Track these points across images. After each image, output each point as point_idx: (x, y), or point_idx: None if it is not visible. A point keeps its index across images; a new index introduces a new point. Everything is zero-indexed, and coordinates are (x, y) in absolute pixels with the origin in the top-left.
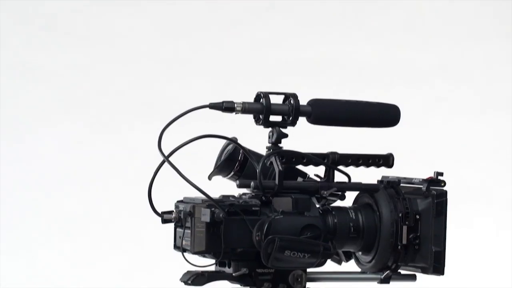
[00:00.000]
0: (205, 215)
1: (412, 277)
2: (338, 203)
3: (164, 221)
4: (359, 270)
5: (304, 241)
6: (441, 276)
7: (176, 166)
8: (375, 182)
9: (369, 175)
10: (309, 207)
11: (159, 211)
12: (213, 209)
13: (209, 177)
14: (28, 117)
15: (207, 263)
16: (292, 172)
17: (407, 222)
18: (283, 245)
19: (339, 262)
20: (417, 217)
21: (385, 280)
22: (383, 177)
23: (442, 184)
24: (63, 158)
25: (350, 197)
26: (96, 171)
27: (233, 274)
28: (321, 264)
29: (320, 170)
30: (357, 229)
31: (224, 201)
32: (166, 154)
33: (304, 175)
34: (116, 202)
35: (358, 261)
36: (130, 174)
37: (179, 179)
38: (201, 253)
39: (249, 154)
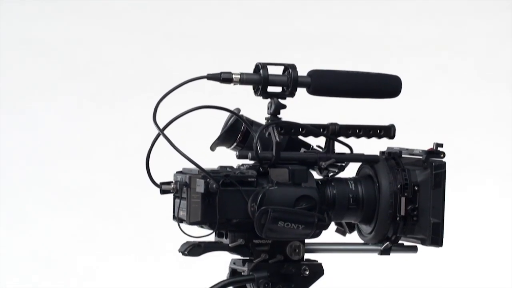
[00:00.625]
0: (200, 186)
1: (413, 249)
2: (341, 174)
3: (163, 191)
4: (358, 241)
5: (298, 212)
6: (439, 248)
7: (169, 138)
8: (377, 153)
9: (374, 147)
10: (306, 178)
11: (158, 182)
12: (208, 180)
13: (212, 148)
14: (28, 88)
15: (206, 234)
16: (296, 143)
17: (405, 194)
18: (277, 216)
19: (343, 233)
20: (416, 188)
21: (385, 252)
22: (388, 148)
23: (442, 156)
24: (62, 129)
25: (354, 168)
26: (95, 142)
27: (229, 245)
28: (316, 235)
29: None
30: (356, 200)
31: (220, 172)
32: (163, 125)
33: (308, 146)
34: (116, 173)
35: (360, 233)
36: (130, 144)
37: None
38: (197, 224)
39: (249, 125)
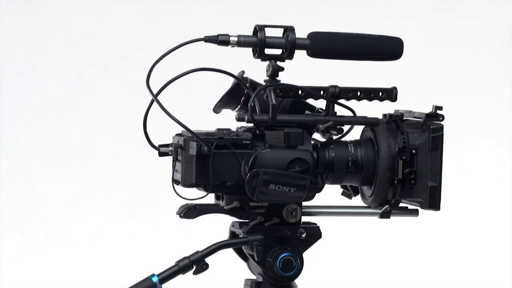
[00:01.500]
0: (192, 149)
1: (414, 212)
2: (348, 138)
3: (161, 154)
4: (358, 205)
5: (289, 174)
6: (437, 211)
7: (163, 102)
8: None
9: (380, 112)
10: (302, 141)
11: (158, 144)
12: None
13: (215, 110)
14: (27, 51)
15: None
16: (300, 105)
17: (404, 157)
18: (267, 179)
19: (349, 196)
20: (414, 151)
21: (385, 215)
22: (395, 111)
23: (440, 119)
24: (62, 92)
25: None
26: (95, 104)
27: (225, 207)
28: (310, 198)
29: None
30: (355, 163)
31: (215, 134)
32: (161, 86)
33: (313, 108)
34: (116, 135)
35: (362, 196)
36: (131, 106)
37: (181, 112)
38: (191, 186)
39: (247, 87)
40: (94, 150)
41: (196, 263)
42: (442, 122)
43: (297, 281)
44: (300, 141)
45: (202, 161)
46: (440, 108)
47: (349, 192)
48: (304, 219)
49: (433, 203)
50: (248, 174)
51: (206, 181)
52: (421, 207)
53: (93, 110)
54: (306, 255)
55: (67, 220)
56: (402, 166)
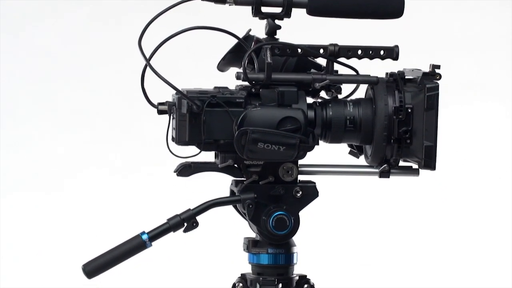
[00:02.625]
0: (184, 107)
1: (415, 172)
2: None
3: (160, 112)
4: (357, 164)
5: (278, 133)
6: (433, 171)
7: (150, 62)
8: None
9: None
10: (296, 100)
11: (156, 102)
12: (194, 100)
13: (219, 69)
14: (27, 9)
15: (207, 155)
16: (306, 64)
17: (400, 116)
18: (256, 138)
19: (356, 155)
20: (409, 111)
21: (384, 174)
22: (404, 69)
23: (437, 77)
24: (61, 50)
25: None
26: (95, 62)
27: (219, 166)
28: (300, 157)
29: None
30: (353, 122)
31: (208, 92)
32: (162, 40)
33: (319, 67)
34: (116, 93)
35: (365, 155)
36: (131, 64)
37: (182, 71)
38: (184, 144)
39: (247, 45)
40: (93, 109)
41: (187, 221)
42: (438, 81)
43: (295, 240)
44: (294, 99)
45: (195, 119)
46: (438, 67)
47: (356, 151)
48: (304, 178)
49: (429, 162)
50: (236, 133)
51: (199, 139)
52: (418, 167)
53: (92, 68)
54: (303, 214)
55: (64, 177)
56: (398, 125)
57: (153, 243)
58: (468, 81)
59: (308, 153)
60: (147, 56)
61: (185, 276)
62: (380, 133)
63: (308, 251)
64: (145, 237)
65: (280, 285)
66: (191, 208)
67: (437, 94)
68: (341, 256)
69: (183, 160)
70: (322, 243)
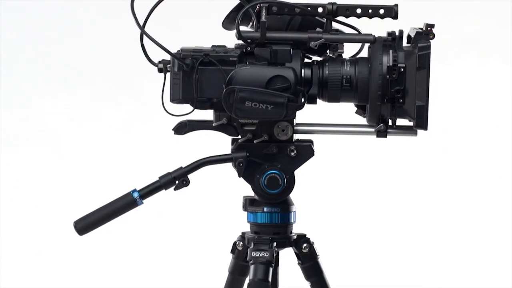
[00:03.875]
0: (175, 65)
1: (412, 131)
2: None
3: (160, 70)
4: (354, 123)
5: (265, 92)
6: (425, 131)
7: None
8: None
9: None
10: (290, 58)
11: (156, 61)
12: (187, 59)
13: (225, 27)
14: None
15: (208, 114)
16: (312, 23)
17: (393, 75)
18: (243, 96)
19: (362, 114)
20: (402, 70)
21: (381, 134)
22: (411, 28)
23: (431, 37)
24: (62, 8)
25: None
26: (95, 19)
27: (213, 124)
28: (290, 116)
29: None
30: (349, 81)
31: (202, 51)
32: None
33: (322, 25)
34: (117, 51)
35: (366, 114)
36: (130, 21)
37: (184, 29)
38: (178, 101)
39: (245, 3)
40: (94, 67)
41: (179, 179)
42: (431, 41)
43: (292, 198)
44: (287, 58)
45: (189, 78)
46: (432, 26)
47: (362, 111)
48: (306, 137)
49: (420, 122)
50: (224, 91)
51: (192, 97)
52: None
53: (92, 24)
54: (303, 173)
55: (60, 135)
56: (391, 85)
57: (144, 201)
58: (471, 38)
59: (308, 112)
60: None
61: (188, 235)
62: (375, 92)
63: (309, 211)
64: (136, 195)
65: (275, 244)
66: (183, 166)
67: (429, 54)
68: (341, 216)
69: (183, 119)
70: (322, 203)
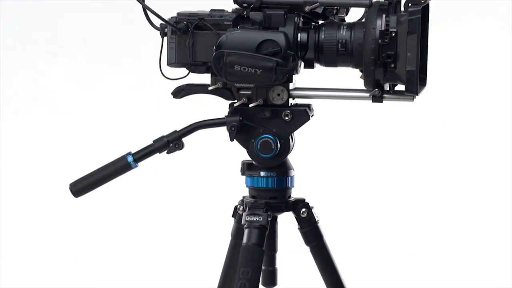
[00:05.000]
0: (169, 29)
1: (408, 97)
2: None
3: (164, 34)
4: (350, 87)
5: (253, 56)
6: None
7: None
8: None
9: None
10: (284, 23)
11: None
12: (181, 23)
13: None
14: None
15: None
16: None
17: (386, 40)
18: (232, 60)
19: None
20: (393, 35)
21: (377, 99)
22: None
23: (422, 1)
24: None
25: None
26: None
27: (208, 88)
28: (280, 80)
29: None
30: (345, 46)
31: (198, 15)
32: None
33: None
34: (119, 15)
35: None
36: None
37: None
38: (173, 65)
39: None
40: (94, 31)
41: (173, 142)
42: (423, 4)
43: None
44: (281, 22)
45: (184, 42)
46: None
47: None
48: (301, 101)
49: (411, 87)
50: (213, 55)
51: (187, 61)
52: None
53: None
54: (304, 138)
55: (68, 103)
56: (382, 49)
57: (139, 164)
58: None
59: (307, 77)
60: None
61: (192, 199)
62: (368, 56)
63: (311, 176)
64: (130, 158)
65: (270, 208)
66: (177, 130)
67: (419, 18)
68: (342, 181)
69: (183, 83)
70: (322, 168)
